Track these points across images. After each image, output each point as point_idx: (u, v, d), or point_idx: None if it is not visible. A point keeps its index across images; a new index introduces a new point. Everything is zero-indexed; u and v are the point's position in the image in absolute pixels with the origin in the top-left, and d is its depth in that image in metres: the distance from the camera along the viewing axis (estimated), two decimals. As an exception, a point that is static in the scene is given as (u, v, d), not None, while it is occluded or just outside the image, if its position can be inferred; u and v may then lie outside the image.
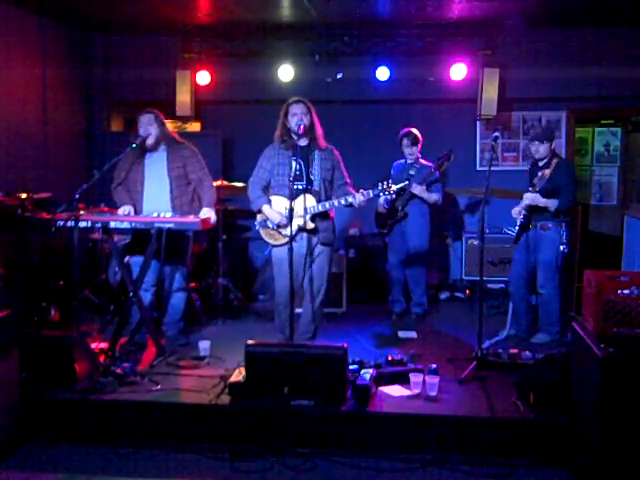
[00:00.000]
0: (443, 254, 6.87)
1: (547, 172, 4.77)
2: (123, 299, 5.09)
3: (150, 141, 4.64)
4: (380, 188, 4.28)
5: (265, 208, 4.50)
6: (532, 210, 4.87)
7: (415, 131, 5.62)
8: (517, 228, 4.99)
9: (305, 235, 4.43)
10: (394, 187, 4.30)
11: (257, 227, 4.62)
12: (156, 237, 4.29)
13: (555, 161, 4.85)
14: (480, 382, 4.04)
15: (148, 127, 4.63)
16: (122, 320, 4.55)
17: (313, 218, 4.42)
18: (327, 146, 4.52)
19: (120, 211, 4.60)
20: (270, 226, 4.51)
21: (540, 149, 4.87)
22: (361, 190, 4.32)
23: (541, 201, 4.77)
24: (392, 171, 5.77)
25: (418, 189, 5.50)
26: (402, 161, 5.78)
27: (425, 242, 5.70)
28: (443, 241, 6.82)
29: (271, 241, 4.56)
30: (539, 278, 4.97)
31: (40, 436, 3.66)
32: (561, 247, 4.84)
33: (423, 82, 6.54)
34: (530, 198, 4.78)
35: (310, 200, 4.37)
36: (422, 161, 5.68)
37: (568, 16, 6.05)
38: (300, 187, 4.40)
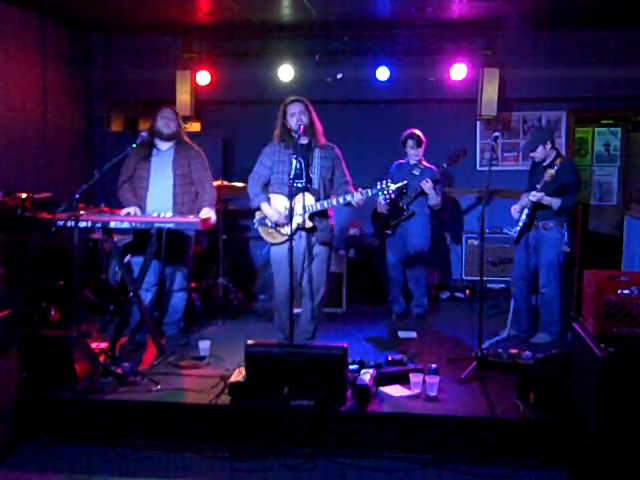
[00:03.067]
0: (443, 254, 6.87)
1: (551, 172, 4.77)
2: (123, 299, 5.09)
3: (166, 131, 4.69)
4: (379, 187, 4.24)
5: (264, 206, 4.49)
6: (536, 209, 4.87)
7: (418, 132, 5.62)
8: (519, 228, 4.98)
9: (303, 234, 4.42)
10: (393, 187, 4.24)
11: (255, 225, 4.62)
12: (156, 237, 4.29)
13: (559, 160, 4.85)
14: (480, 382, 4.04)
15: (170, 122, 4.70)
16: (122, 320, 4.55)
17: (311, 217, 4.41)
18: (327, 144, 4.52)
19: (124, 211, 4.60)
20: (269, 224, 4.51)
21: (535, 155, 4.90)
22: (359, 189, 4.31)
23: (546, 199, 4.77)
24: (392, 171, 5.74)
25: (428, 185, 5.46)
26: (403, 161, 5.76)
27: (427, 242, 5.70)
28: (443, 241, 6.82)
29: (269, 239, 4.56)
30: (541, 278, 4.97)
31: (40, 436, 3.66)
32: (564, 247, 4.84)
33: (423, 82, 6.53)
34: (536, 197, 4.77)
35: (309, 199, 4.37)
36: (425, 163, 5.67)
37: (568, 16, 6.04)
38: (299, 185, 4.39)
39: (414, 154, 5.63)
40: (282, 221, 4.42)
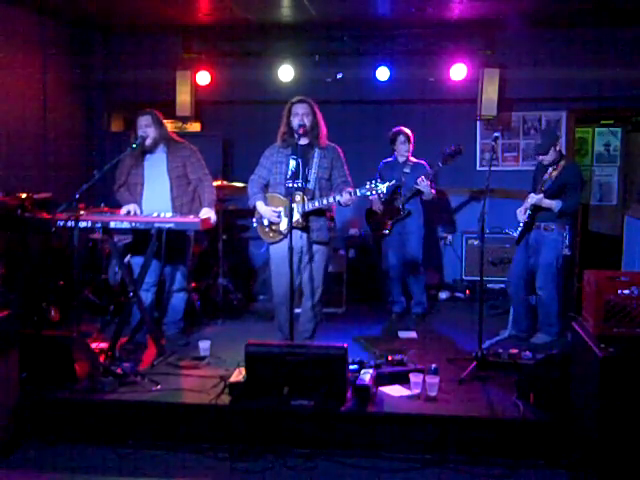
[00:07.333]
0: (443, 254, 6.88)
1: (554, 173, 4.77)
2: (123, 299, 5.09)
3: (148, 142, 4.63)
4: (367, 187, 4.19)
5: (259, 205, 4.50)
6: (537, 210, 4.87)
7: (406, 130, 5.65)
8: (520, 228, 4.97)
9: (299, 233, 4.42)
10: (382, 187, 4.18)
11: (254, 224, 4.64)
12: (156, 237, 4.29)
13: (563, 163, 4.84)
14: (480, 382, 4.04)
15: (146, 129, 4.62)
16: (122, 320, 4.55)
17: (307, 216, 4.40)
18: (329, 144, 4.51)
19: (124, 210, 4.59)
20: (265, 223, 4.52)
21: (546, 158, 4.86)
22: (348, 189, 4.30)
23: (545, 202, 4.76)
24: (380, 170, 5.75)
25: (424, 183, 5.49)
26: (390, 159, 5.79)
27: (422, 240, 5.74)
28: (443, 241, 6.83)
29: (266, 238, 4.57)
30: (538, 279, 4.96)
31: (40, 436, 3.66)
32: (564, 250, 4.83)
33: (423, 82, 6.54)
34: (534, 199, 4.78)
35: (304, 199, 4.37)
36: (413, 159, 5.70)
37: (568, 16, 6.05)
38: (295, 185, 4.40)
39: (404, 150, 5.66)
40: (276, 219, 4.44)
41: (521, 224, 4.96)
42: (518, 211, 5.00)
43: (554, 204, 4.76)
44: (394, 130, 5.68)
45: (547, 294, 4.92)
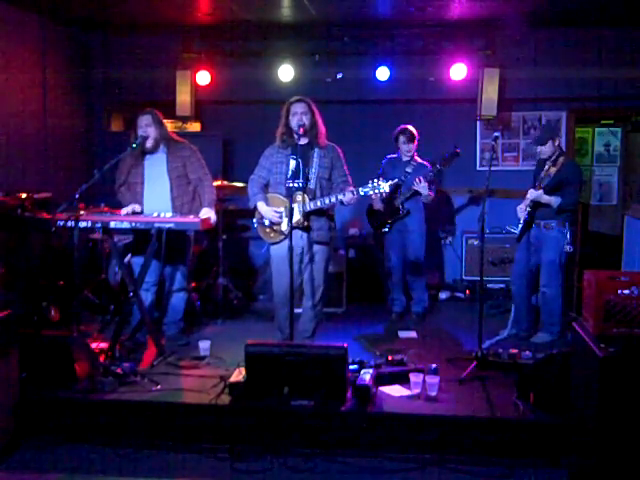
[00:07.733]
0: (443, 254, 6.88)
1: (553, 170, 4.77)
2: (123, 299, 5.09)
3: (148, 142, 4.63)
4: (370, 186, 4.19)
5: (260, 205, 4.50)
6: (536, 207, 4.87)
7: (411, 128, 5.62)
8: (520, 225, 4.98)
9: (299, 233, 4.42)
10: (386, 186, 4.17)
11: (255, 224, 4.64)
12: (156, 237, 4.29)
13: (562, 159, 4.84)
14: (480, 382, 4.04)
15: (147, 128, 4.62)
16: (122, 320, 4.55)
17: (308, 216, 4.41)
18: (329, 144, 4.51)
19: (124, 211, 4.59)
20: (266, 224, 4.52)
21: (544, 150, 4.87)
22: (350, 188, 4.30)
23: (544, 198, 4.76)
24: (383, 166, 5.76)
25: (422, 185, 5.47)
26: (394, 155, 5.77)
27: (424, 239, 5.72)
28: (443, 241, 6.83)
29: (267, 239, 4.57)
30: (542, 277, 4.96)
31: (40, 436, 3.66)
32: (566, 247, 4.83)
33: (423, 82, 6.54)
34: (534, 194, 4.78)
35: (304, 198, 4.37)
36: (417, 159, 5.68)
37: (568, 16, 6.05)
38: (296, 185, 4.40)
39: (406, 150, 5.63)
40: (277, 220, 4.43)
41: (521, 221, 4.97)
42: (518, 208, 5.00)
43: (553, 200, 4.76)
44: (398, 128, 5.66)
45: (551, 292, 4.92)
